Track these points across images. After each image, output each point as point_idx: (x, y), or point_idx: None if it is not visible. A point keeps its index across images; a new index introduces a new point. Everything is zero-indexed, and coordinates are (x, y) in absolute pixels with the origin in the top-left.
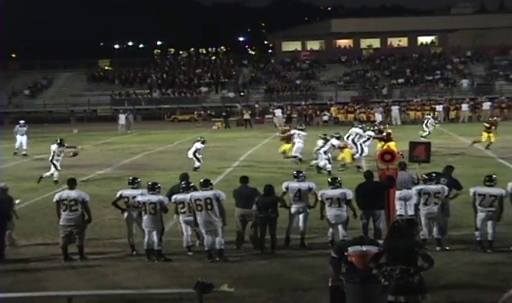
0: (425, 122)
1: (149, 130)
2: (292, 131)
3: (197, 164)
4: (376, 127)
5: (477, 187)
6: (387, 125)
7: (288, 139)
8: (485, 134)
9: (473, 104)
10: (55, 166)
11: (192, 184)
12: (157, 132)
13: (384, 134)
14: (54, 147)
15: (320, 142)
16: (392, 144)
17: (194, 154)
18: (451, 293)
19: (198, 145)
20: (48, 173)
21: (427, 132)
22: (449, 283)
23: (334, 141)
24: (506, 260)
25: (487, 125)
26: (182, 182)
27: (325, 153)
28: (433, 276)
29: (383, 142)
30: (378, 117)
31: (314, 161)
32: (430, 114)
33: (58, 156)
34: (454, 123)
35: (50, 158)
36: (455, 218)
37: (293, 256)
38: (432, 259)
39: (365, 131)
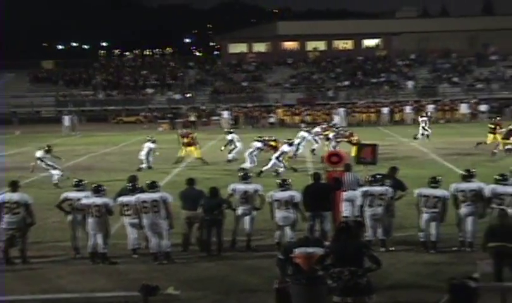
0: (422, 125)
1: (94, 132)
2: (230, 137)
3: (144, 166)
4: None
5: (421, 188)
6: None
7: (191, 143)
8: (490, 136)
9: (416, 106)
10: (51, 167)
11: (139, 186)
12: (102, 133)
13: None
14: (39, 154)
15: (257, 144)
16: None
17: (147, 155)
18: (396, 294)
19: (151, 145)
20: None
21: (429, 132)
22: (393, 284)
23: (286, 147)
24: (449, 260)
25: (492, 126)
26: (129, 184)
27: (277, 158)
28: (378, 277)
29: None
30: (336, 119)
31: (244, 164)
32: (424, 115)
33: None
34: (399, 125)
35: (44, 164)
36: (400, 219)
37: (239, 258)
38: (379, 260)
39: (318, 134)
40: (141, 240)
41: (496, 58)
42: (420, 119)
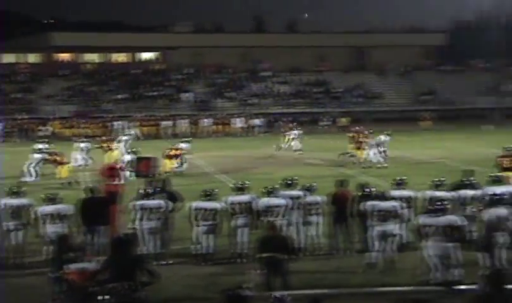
0: (290, 137)
1: None
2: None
3: None
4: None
5: (195, 201)
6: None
7: None
8: (350, 146)
9: (192, 120)
10: None
11: None
12: None
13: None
14: None
15: (37, 156)
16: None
17: None
18: None
19: None
20: None
21: (300, 146)
22: (169, 297)
23: (128, 157)
24: (223, 271)
25: (351, 135)
26: None
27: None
28: (155, 291)
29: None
30: (136, 132)
31: (24, 178)
32: (292, 130)
33: None
34: (177, 138)
35: None
36: (177, 231)
37: (8, 277)
38: (157, 273)
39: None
40: None
41: (268, 74)
42: (290, 132)
